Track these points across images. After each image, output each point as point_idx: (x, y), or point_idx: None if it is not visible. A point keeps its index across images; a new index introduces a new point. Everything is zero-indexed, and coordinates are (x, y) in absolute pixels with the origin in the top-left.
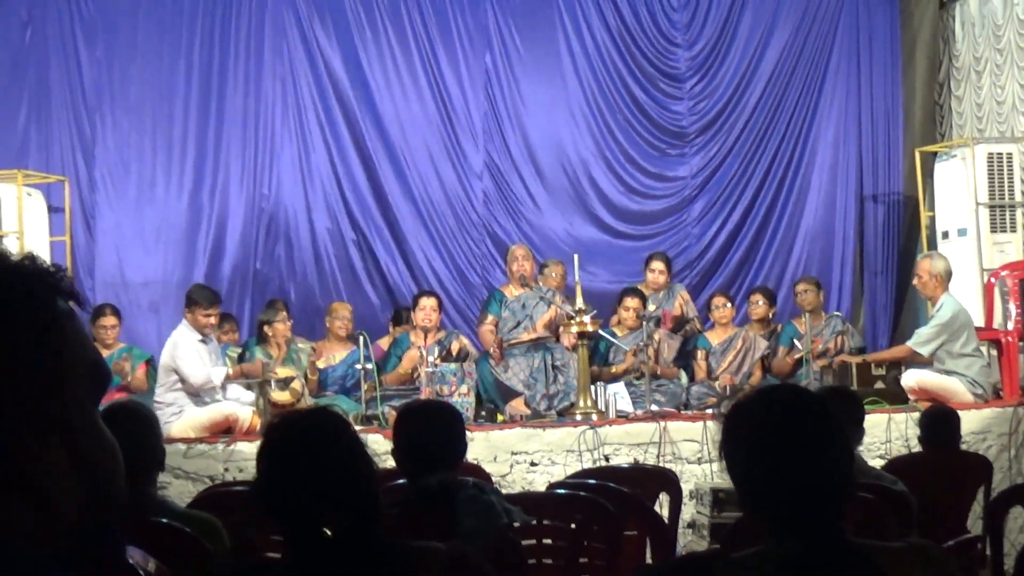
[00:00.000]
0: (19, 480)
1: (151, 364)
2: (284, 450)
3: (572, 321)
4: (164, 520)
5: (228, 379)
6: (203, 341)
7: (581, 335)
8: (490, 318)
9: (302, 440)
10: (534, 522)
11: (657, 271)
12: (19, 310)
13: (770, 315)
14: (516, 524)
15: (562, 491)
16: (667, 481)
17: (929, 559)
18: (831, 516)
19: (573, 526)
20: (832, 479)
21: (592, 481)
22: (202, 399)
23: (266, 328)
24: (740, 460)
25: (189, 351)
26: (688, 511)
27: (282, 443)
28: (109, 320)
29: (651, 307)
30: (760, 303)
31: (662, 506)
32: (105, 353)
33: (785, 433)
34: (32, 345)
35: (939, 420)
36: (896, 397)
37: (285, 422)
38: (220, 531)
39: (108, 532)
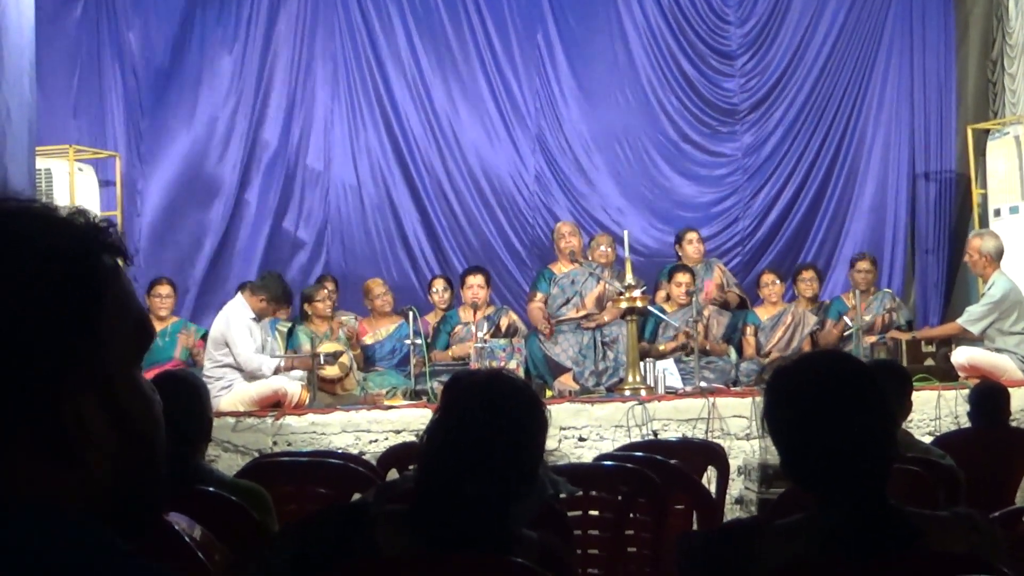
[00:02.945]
0: (52, 435)
1: (204, 340)
2: (469, 406)
3: (621, 297)
4: (211, 489)
5: (279, 370)
6: (254, 319)
7: (630, 310)
8: (539, 295)
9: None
10: (580, 493)
11: (694, 241)
12: (60, 264)
13: (817, 291)
14: (562, 495)
15: (609, 463)
16: (714, 455)
17: (976, 528)
18: (875, 482)
19: (619, 498)
20: (875, 444)
21: (639, 454)
22: (251, 374)
23: (306, 306)
24: (783, 425)
25: (242, 329)
26: (736, 487)
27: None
28: (164, 288)
29: None
30: (811, 280)
31: (710, 481)
32: (160, 326)
33: (828, 398)
34: (71, 300)
35: (987, 396)
36: (946, 374)
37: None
38: (267, 501)
39: (149, 490)
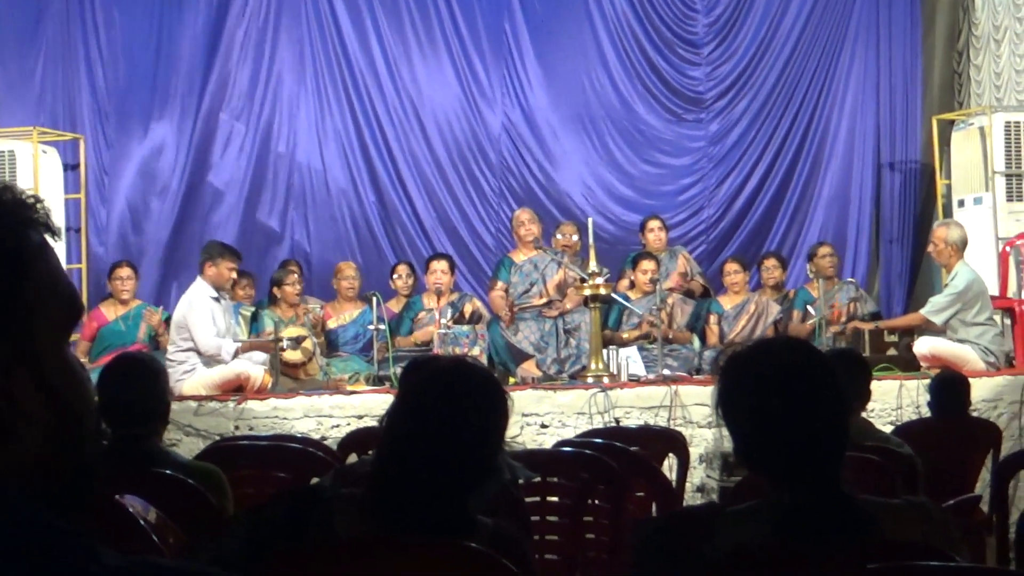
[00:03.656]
0: None
1: (167, 322)
2: (428, 393)
3: (584, 284)
4: (167, 472)
5: (239, 353)
6: (217, 299)
7: (593, 298)
8: (499, 284)
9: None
10: (538, 479)
11: (656, 229)
12: None
13: (782, 280)
14: (520, 481)
15: (567, 449)
16: (675, 443)
17: (928, 516)
18: (827, 469)
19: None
20: (828, 431)
21: (599, 440)
22: (211, 358)
23: (275, 290)
24: (736, 411)
25: (203, 313)
26: (697, 475)
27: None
28: (125, 271)
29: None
30: (774, 268)
31: (671, 469)
32: (122, 309)
33: (780, 384)
34: None
35: (948, 386)
36: (908, 364)
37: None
38: (223, 481)
39: (81, 467)
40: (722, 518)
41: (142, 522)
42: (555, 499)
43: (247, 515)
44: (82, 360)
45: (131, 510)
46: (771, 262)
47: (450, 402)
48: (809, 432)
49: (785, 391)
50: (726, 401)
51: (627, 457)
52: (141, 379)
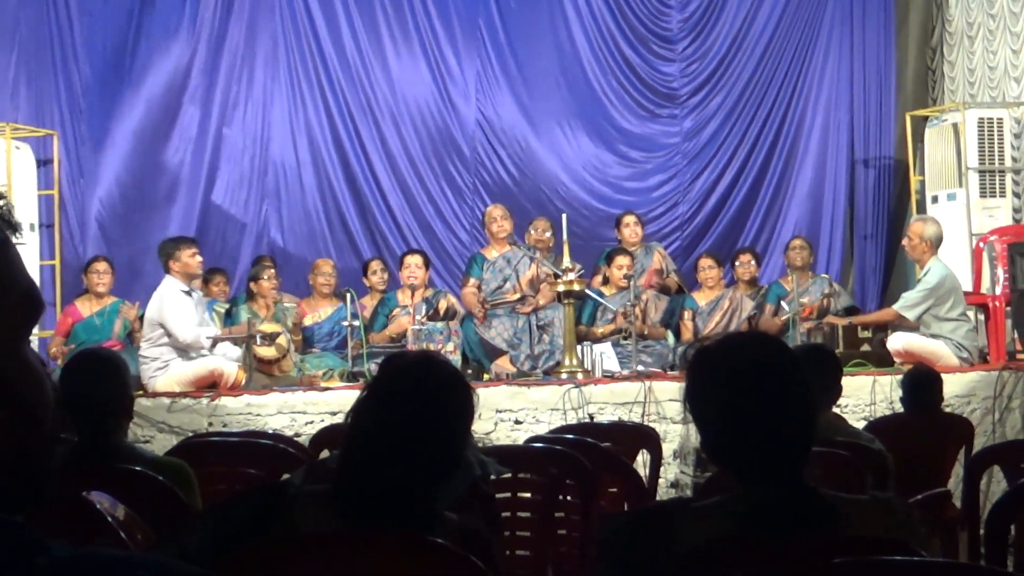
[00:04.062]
0: None
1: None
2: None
3: (558, 280)
4: (137, 468)
5: (217, 341)
6: (188, 293)
7: (567, 294)
8: (472, 281)
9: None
10: (508, 474)
11: (632, 224)
12: None
13: (756, 276)
14: (492, 476)
15: (538, 445)
16: (647, 439)
17: (893, 511)
18: (793, 463)
19: (547, 480)
20: (794, 425)
21: (570, 436)
22: (187, 354)
23: (252, 285)
24: (703, 406)
25: (176, 306)
26: (671, 471)
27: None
28: (101, 265)
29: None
30: (749, 263)
31: (646, 465)
32: (98, 305)
33: (747, 379)
34: None
35: (920, 381)
36: (882, 360)
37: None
38: (190, 476)
39: (38, 464)
40: (688, 513)
41: (110, 519)
42: (526, 495)
43: (212, 510)
44: (56, 352)
45: (99, 507)
46: (745, 257)
47: (415, 396)
48: (776, 427)
49: (753, 386)
50: (694, 396)
51: (598, 453)
52: (103, 375)
